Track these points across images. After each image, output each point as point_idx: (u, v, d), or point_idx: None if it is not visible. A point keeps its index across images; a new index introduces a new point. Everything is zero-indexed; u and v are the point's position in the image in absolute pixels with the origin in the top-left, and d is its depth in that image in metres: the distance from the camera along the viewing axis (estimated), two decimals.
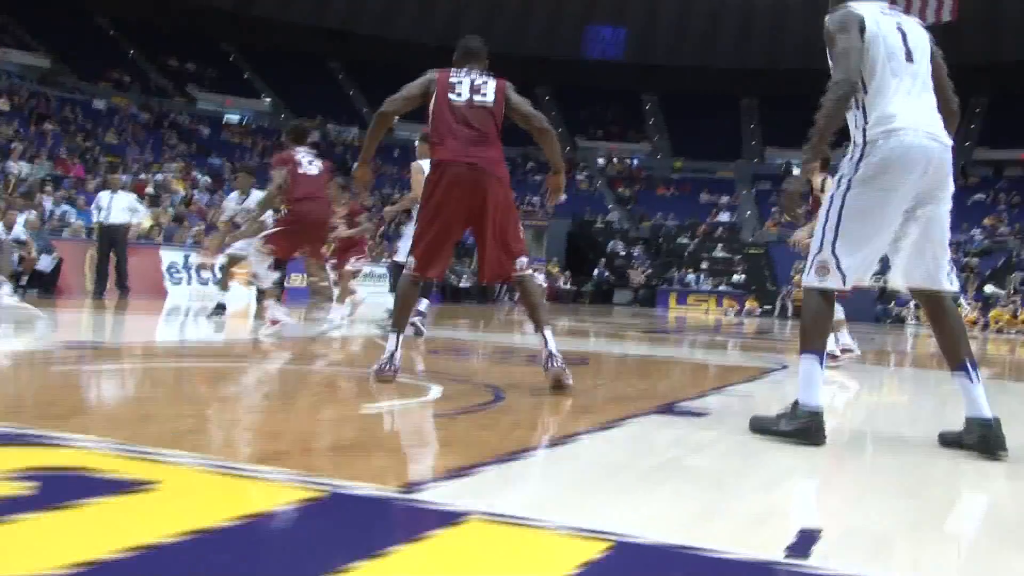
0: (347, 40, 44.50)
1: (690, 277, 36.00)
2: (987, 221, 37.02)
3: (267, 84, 43.38)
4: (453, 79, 5.03)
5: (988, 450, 3.66)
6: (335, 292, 10.95)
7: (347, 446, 3.14)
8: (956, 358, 3.84)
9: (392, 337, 5.01)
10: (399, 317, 5.11)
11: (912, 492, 3.00)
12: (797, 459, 3.58)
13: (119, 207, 15.02)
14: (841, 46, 3.86)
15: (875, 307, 29.87)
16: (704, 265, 36.92)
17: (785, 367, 8.08)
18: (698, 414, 4.50)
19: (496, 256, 5.01)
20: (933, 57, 4.00)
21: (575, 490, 2.71)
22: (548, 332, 4.94)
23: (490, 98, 5.01)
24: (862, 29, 3.87)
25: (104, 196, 15.31)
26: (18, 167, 21.93)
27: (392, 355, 4.95)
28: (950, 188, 3.88)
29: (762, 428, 3.90)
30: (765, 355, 10.21)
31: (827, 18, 4.01)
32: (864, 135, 3.83)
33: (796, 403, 3.80)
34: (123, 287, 15.53)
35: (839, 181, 3.87)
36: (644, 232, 40.54)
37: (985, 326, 27.46)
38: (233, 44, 43.78)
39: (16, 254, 14.80)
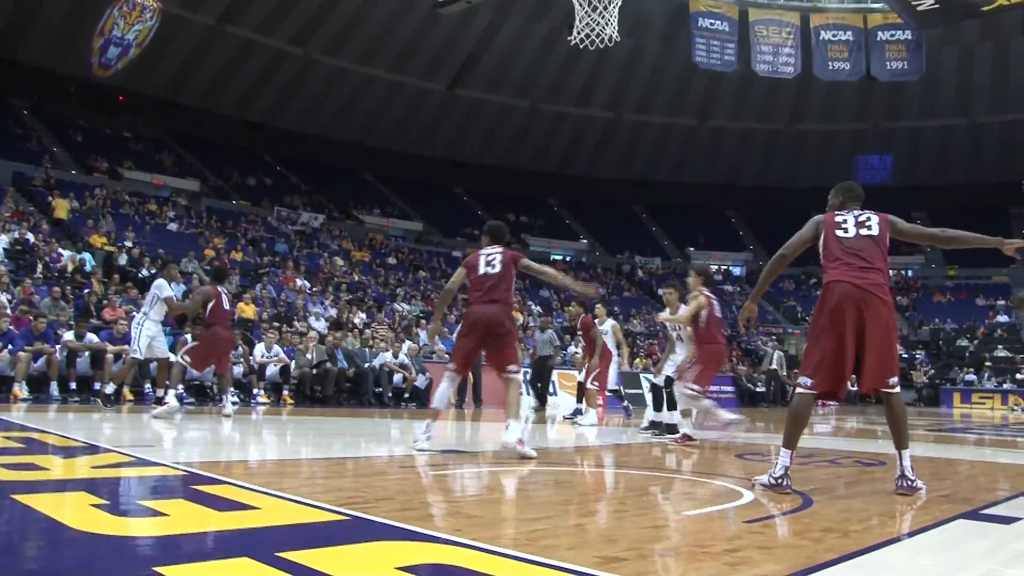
0: (647, 187, 45.20)
1: (971, 376, 32.51)
2: None
3: (584, 227, 44.75)
4: (839, 218, 4.94)
5: None
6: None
7: (675, 551, 2.98)
8: None
9: (785, 454, 4.61)
10: (792, 436, 4.68)
11: None
12: None
13: None
14: None
15: None
16: (986, 364, 33.29)
17: None
18: (1008, 520, 3.88)
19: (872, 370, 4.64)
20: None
21: None
22: (905, 454, 4.61)
23: (875, 231, 4.85)
24: None
25: None
26: (401, 307, 23.76)
27: (787, 472, 4.57)
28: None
29: None
30: None
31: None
32: None
33: None
34: (478, 400, 16.20)
35: None
36: (924, 336, 37.42)
37: None
38: (556, 198, 45.72)
39: (400, 376, 15.90)
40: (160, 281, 10.82)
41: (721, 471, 6.03)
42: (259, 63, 34.97)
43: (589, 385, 12.34)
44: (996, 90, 37.92)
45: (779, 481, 4.54)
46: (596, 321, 12.25)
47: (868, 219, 4.90)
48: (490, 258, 6.83)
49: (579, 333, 13.54)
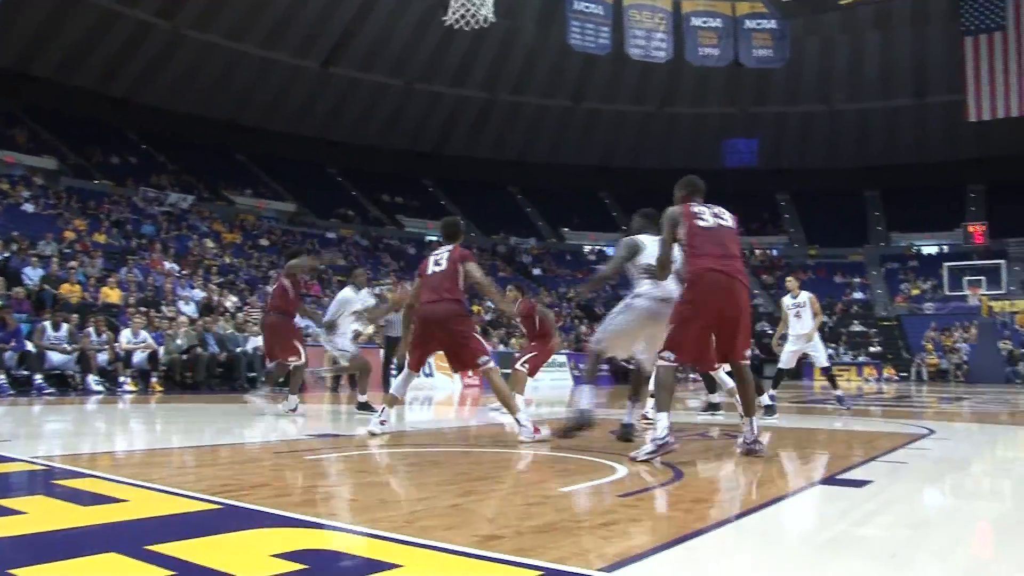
0: (522, 168, 45.54)
1: (830, 350, 34.44)
2: None
3: (459, 208, 44.67)
4: (695, 208, 5.14)
5: None
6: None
7: (551, 527, 3.04)
8: None
9: (663, 417, 4.82)
10: (666, 401, 4.91)
11: None
12: (965, 529, 3.26)
13: None
14: None
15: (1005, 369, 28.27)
16: (843, 339, 35.33)
17: (932, 432, 7.46)
18: (860, 484, 4.16)
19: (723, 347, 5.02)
20: None
21: (763, 566, 2.52)
22: (754, 420, 4.97)
23: (729, 223, 5.16)
24: None
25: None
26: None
27: (668, 432, 4.76)
28: None
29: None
30: (908, 421, 9.48)
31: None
32: None
33: None
34: (354, 383, 15.96)
35: None
36: None
37: None
38: (431, 179, 45.50)
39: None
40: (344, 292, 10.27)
41: (596, 447, 6.17)
42: (121, 35, 33.20)
43: (518, 367, 10.89)
44: (853, 79, 39.99)
45: (664, 441, 4.72)
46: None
47: (722, 212, 5.22)
48: (438, 257, 6.63)
49: (517, 320, 12.54)
